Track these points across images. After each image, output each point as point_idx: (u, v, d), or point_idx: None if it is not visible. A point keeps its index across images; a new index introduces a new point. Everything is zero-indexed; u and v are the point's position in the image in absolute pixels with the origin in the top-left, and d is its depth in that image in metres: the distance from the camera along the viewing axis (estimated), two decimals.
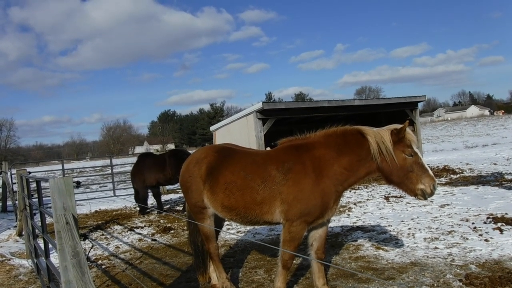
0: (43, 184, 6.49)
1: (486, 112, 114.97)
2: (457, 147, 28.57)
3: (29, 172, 15.34)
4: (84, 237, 4.13)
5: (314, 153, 4.69)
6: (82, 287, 2.92)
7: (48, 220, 7.23)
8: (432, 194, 4.40)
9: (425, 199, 4.47)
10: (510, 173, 13.60)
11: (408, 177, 4.41)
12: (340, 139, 4.68)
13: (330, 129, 4.82)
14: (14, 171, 15.60)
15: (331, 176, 4.59)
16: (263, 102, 13.91)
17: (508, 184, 11.45)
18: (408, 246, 6.69)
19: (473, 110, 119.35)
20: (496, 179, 12.66)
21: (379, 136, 4.45)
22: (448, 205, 9.38)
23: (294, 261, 5.46)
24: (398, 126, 4.53)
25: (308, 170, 4.60)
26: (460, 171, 15.35)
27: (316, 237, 4.96)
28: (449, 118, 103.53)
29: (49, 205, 3.95)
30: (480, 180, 12.93)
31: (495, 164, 16.67)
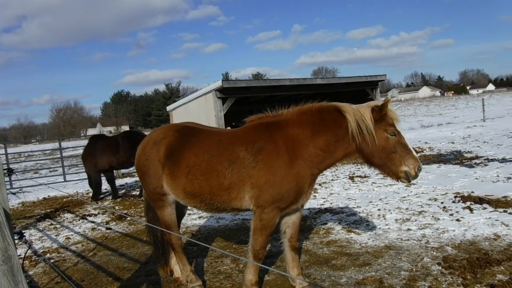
0: None
1: (437, 93, 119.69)
2: (413, 127, 29.16)
3: None
4: (20, 235, 3.48)
5: (287, 132, 4.22)
6: None
7: None
8: (416, 176, 4.07)
9: (409, 182, 4.12)
10: (468, 152, 13.81)
11: (390, 158, 4.05)
12: (315, 117, 4.23)
13: (304, 106, 4.37)
14: None
15: (306, 158, 4.16)
16: (222, 80, 13.32)
17: (469, 163, 11.56)
18: (380, 228, 6.43)
19: (425, 91, 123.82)
20: (456, 158, 12.79)
21: (358, 114, 4.04)
22: (413, 184, 9.25)
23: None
24: (379, 102, 4.14)
25: (280, 151, 4.14)
26: (420, 150, 15.47)
27: (289, 223, 4.54)
28: (402, 99, 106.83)
29: None
30: (441, 158, 13.02)
31: (452, 143, 16.96)
